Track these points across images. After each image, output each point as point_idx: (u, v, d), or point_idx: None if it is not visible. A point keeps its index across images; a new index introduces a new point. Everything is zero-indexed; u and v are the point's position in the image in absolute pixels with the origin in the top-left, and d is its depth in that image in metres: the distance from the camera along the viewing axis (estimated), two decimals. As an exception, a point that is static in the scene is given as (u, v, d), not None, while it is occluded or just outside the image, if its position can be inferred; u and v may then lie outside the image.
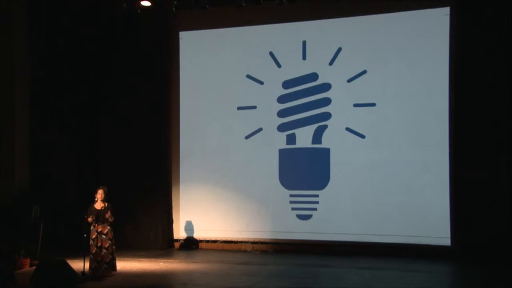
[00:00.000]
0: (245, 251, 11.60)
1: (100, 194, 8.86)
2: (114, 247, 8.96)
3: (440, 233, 10.39)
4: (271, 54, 11.66)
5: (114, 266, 8.98)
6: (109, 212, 8.78)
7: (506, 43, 10.05)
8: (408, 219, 10.60)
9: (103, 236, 8.82)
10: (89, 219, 8.82)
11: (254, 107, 11.74)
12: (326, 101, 11.29)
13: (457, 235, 10.25)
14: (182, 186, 12.08)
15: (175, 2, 11.02)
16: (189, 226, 11.98)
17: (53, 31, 12.14)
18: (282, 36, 11.59)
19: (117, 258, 9.25)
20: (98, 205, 8.86)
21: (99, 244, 8.78)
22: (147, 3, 11.27)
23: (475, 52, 10.21)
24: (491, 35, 10.14)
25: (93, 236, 8.82)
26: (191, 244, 11.94)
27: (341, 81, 11.19)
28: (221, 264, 10.10)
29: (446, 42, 10.49)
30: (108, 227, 8.87)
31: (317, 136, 11.29)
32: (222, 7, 11.50)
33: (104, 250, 8.80)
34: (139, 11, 11.27)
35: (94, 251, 8.76)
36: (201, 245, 11.96)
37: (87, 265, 8.81)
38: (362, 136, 11.05)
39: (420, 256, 10.36)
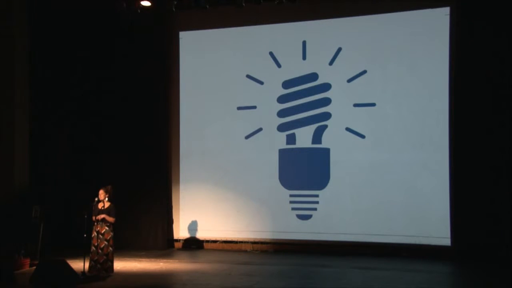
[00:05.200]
0: (245, 251, 11.60)
1: (101, 194, 8.86)
2: (111, 248, 8.85)
3: (440, 233, 10.39)
4: (271, 54, 11.66)
5: (108, 268, 8.83)
6: (107, 213, 8.77)
7: (506, 43, 10.04)
8: (408, 219, 10.60)
9: (100, 236, 8.80)
10: (93, 218, 8.82)
11: (254, 107, 11.74)
12: (326, 101, 11.29)
13: (457, 235, 10.25)
14: (182, 186, 12.08)
15: (175, 2, 11.04)
16: (189, 226, 11.98)
17: (53, 32, 12.13)
18: (282, 36, 11.59)
19: (117, 258, 9.22)
20: (100, 204, 8.86)
21: (95, 244, 8.77)
22: (147, 3, 11.28)
23: (475, 52, 10.21)
24: (491, 35, 10.14)
25: (93, 236, 8.83)
26: (191, 244, 11.94)
27: (341, 81, 11.19)
28: (221, 264, 10.09)
29: (446, 42, 10.49)
30: (106, 228, 8.82)
31: (317, 136, 11.30)
32: (222, 7, 11.51)
33: (100, 251, 8.77)
34: (139, 11, 11.30)
35: (91, 250, 8.77)
36: (201, 245, 11.95)
37: (87, 265, 8.81)
38: (362, 136, 11.05)
39: (420, 256, 10.36)
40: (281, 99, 11.56)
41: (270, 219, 11.49)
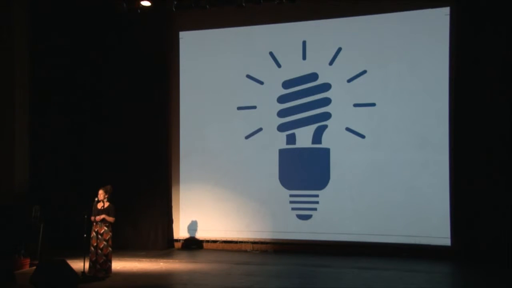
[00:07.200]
0: (245, 251, 11.60)
1: (100, 194, 8.86)
2: (110, 248, 8.85)
3: (440, 233, 10.39)
4: (271, 54, 11.66)
5: (108, 269, 8.84)
6: (106, 213, 8.76)
7: (506, 43, 10.04)
8: (408, 219, 10.61)
9: (99, 237, 8.80)
10: (91, 218, 8.83)
11: (254, 107, 11.74)
12: (326, 101, 11.29)
13: (457, 235, 10.25)
14: (182, 186, 12.08)
15: (175, 2, 11.06)
16: (189, 226, 11.98)
17: (53, 32, 12.13)
18: (282, 36, 11.59)
19: (117, 258, 9.20)
20: (100, 205, 8.86)
21: (94, 244, 8.77)
22: (147, 3, 11.30)
23: (475, 52, 10.21)
24: (491, 35, 10.14)
25: (92, 236, 8.83)
26: (191, 244, 11.93)
27: (341, 81, 11.19)
28: (221, 264, 10.10)
29: (446, 42, 10.50)
30: (105, 228, 8.81)
31: (317, 136, 11.30)
32: (222, 7, 11.52)
33: (99, 251, 8.77)
34: (139, 11, 11.31)
35: (90, 251, 8.77)
36: (201, 245, 11.96)
37: (87, 265, 8.81)
38: (362, 136, 11.05)
39: (420, 256, 10.37)
40: (281, 99, 11.56)
41: (270, 219, 11.49)
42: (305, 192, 11.31)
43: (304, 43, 11.47)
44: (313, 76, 11.39)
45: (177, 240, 12.11)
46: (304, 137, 11.38)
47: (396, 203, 10.70)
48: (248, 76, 11.79)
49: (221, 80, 11.94)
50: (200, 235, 11.94)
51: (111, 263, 8.96)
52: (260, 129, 11.68)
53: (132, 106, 12.04)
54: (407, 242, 10.58)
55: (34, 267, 8.61)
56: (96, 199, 8.88)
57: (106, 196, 8.87)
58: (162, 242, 11.84)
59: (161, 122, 12.07)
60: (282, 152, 11.52)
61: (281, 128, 11.54)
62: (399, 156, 10.77)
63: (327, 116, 11.27)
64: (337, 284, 8.51)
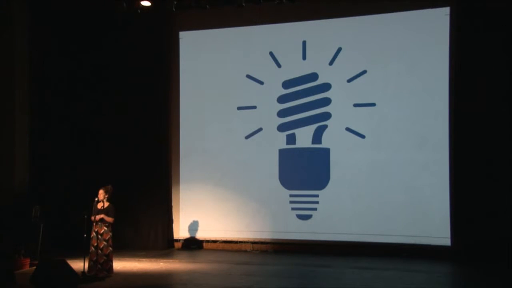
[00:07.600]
0: (245, 251, 11.60)
1: (100, 194, 8.86)
2: (110, 248, 8.85)
3: (440, 233, 10.39)
4: (271, 54, 11.66)
5: (109, 269, 8.85)
6: (105, 213, 8.76)
7: (506, 43, 10.05)
8: (408, 219, 10.61)
9: (99, 237, 8.80)
10: (92, 218, 8.83)
11: (254, 107, 11.74)
12: (326, 101, 11.29)
13: (457, 235, 10.25)
14: (182, 186, 12.08)
15: (175, 2, 11.07)
16: (189, 226, 11.98)
17: (53, 32, 12.14)
18: (282, 36, 11.60)
19: (117, 258, 9.18)
20: (100, 204, 8.86)
21: (95, 244, 8.78)
22: (147, 3, 11.31)
23: (475, 52, 10.22)
24: (491, 35, 10.15)
25: (92, 236, 8.83)
26: (191, 244, 11.94)
27: (341, 81, 11.19)
28: (221, 264, 10.10)
29: (446, 42, 10.50)
30: (105, 228, 8.81)
31: (317, 136, 11.30)
32: (222, 7, 11.53)
33: (99, 251, 8.77)
34: (139, 11, 11.32)
35: (90, 251, 8.77)
36: (201, 245, 11.96)
37: (87, 265, 8.81)
38: (362, 136, 11.05)
39: (420, 256, 10.36)
40: (281, 99, 11.57)
41: (270, 219, 11.50)
42: (305, 192, 11.31)
43: (304, 43, 11.47)
44: (313, 76, 11.40)
45: (177, 240, 12.11)
46: (304, 137, 11.38)
47: (396, 203, 10.70)
48: (248, 76, 11.79)
49: (221, 80, 11.94)
50: (200, 235, 11.94)
51: (112, 262, 8.97)
52: (260, 129, 11.68)
53: (132, 106, 12.04)
54: (407, 242, 10.59)
55: (34, 267, 8.61)
56: (96, 199, 8.88)
57: (106, 196, 8.87)
58: (162, 242, 11.85)
59: (161, 122, 12.07)
60: (282, 152, 11.52)
61: (281, 128, 11.54)
62: (399, 156, 10.77)
63: (327, 116, 11.28)
64: (337, 284, 8.51)
